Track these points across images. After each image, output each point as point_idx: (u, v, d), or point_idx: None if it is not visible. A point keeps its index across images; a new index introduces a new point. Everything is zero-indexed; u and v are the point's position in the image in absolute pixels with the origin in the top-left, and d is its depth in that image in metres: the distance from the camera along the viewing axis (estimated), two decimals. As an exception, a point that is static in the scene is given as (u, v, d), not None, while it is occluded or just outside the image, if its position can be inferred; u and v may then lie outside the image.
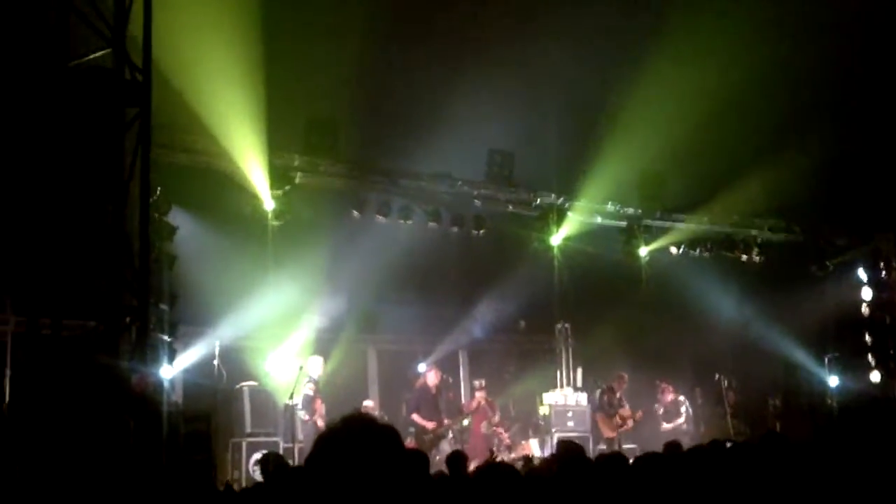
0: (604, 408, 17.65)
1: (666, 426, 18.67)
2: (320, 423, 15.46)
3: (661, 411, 19.09)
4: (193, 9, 13.04)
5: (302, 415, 15.47)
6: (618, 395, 17.72)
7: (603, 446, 17.28)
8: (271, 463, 11.25)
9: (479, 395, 17.32)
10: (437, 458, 15.54)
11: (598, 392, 18.17)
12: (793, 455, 7.87)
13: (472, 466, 14.17)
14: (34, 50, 9.30)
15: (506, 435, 17.48)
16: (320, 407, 15.73)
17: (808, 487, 6.52)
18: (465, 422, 17.36)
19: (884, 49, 17.48)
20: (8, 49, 10.45)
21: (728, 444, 10.42)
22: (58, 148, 9.37)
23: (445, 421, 16.66)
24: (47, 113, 9.35)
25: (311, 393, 15.68)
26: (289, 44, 16.03)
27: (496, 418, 17.33)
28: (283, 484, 8.98)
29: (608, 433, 17.51)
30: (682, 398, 19.29)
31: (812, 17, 16.71)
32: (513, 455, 16.41)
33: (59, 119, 9.34)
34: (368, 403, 16.82)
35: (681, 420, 18.88)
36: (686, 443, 12.95)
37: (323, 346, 17.30)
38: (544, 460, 11.49)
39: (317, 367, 16.18)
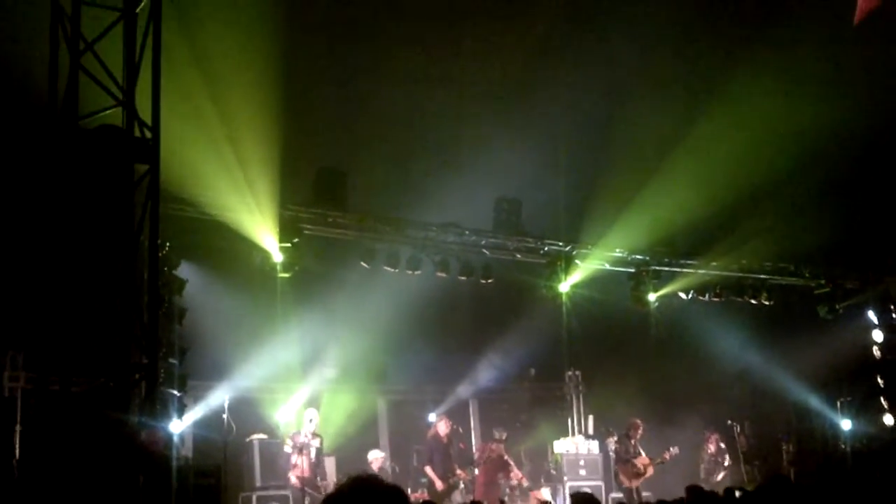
0: (620, 456, 17.46)
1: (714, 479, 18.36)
2: (293, 479, 15.21)
3: (703, 462, 18.77)
4: (200, 66, 13.18)
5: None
6: (633, 442, 17.53)
7: (618, 495, 17.13)
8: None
9: (498, 447, 17.12)
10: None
11: (612, 440, 18.01)
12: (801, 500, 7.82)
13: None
14: (44, 109, 9.38)
15: (525, 478, 17.28)
16: (305, 462, 15.21)
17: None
18: (476, 471, 17.26)
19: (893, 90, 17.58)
20: (18, 108, 10.57)
21: (738, 493, 10.38)
22: (68, 205, 9.42)
23: (458, 471, 16.54)
24: (58, 171, 9.42)
25: (288, 449, 15.37)
26: (297, 97, 16.17)
27: (514, 472, 17.12)
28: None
29: (626, 482, 17.30)
30: (723, 446, 19.12)
31: (820, 63, 16.84)
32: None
33: (70, 177, 9.41)
34: (377, 455, 16.67)
35: (722, 473, 18.65)
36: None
37: (332, 397, 17.28)
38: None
39: (307, 420, 15.82)
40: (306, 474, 15.00)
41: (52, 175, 9.42)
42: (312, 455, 15.21)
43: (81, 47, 9.51)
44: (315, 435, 15.41)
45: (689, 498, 10.89)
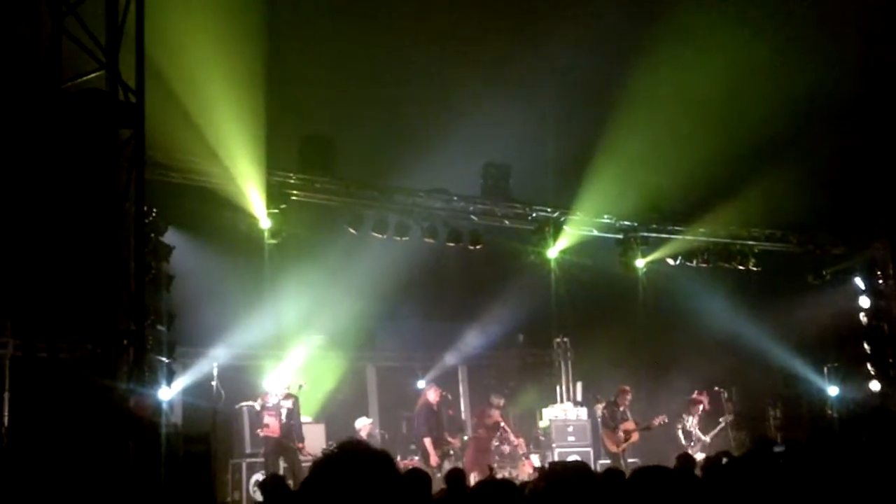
0: (606, 422, 17.47)
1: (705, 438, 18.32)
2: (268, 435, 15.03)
3: (692, 422, 18.68)
4: (187, 29, 13.06)
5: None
6: (621, 408, 17.53)
7: (606, 461, 17.18)
8: (269, 485, 11.19)
9: (495, 413, 17.12)
10: (439, 475, 15.49)
11: (600, 406, 18.04)
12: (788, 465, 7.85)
13: (472, 481, 14.18)
14: (27, 72, 9.29)
15: (522, 443, 17.28)
16: (274, 423, 14.95)
17: (807, 494, 6.50)
18: (465, 437, 17.27)
19: (879, 58, 17.53)
20: (1, 71, 10.45)
21: (724, 460, 10.39)
22: (52, 170, 9.35)
23: (449, 439, 16.52)
24: (41, 135, 9.33)
25: (257, 408, 15.13)
26: (283, 63, 16.06)
27: (511, 436, 17.12)
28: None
29: (612, 448, 17.32)
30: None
31: (809, 29, 16.78)
32: (515, 471, 16.33)
33: (53, 141, 9.32)
34: (365, 422, 16.63)
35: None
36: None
37: (321, 364, 17.26)
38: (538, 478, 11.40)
39: (278, 384, 15.47)
40: (277, 434, 14.91)
41: (35, 140, 9.33)
42: (283, 416, 15.06)
43: (64, 10, 9.39)
44: (288, 395, 15.24)
45: (678, 465, 10.96)
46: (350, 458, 2.89)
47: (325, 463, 2.91)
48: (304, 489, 2.90)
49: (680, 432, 18.07)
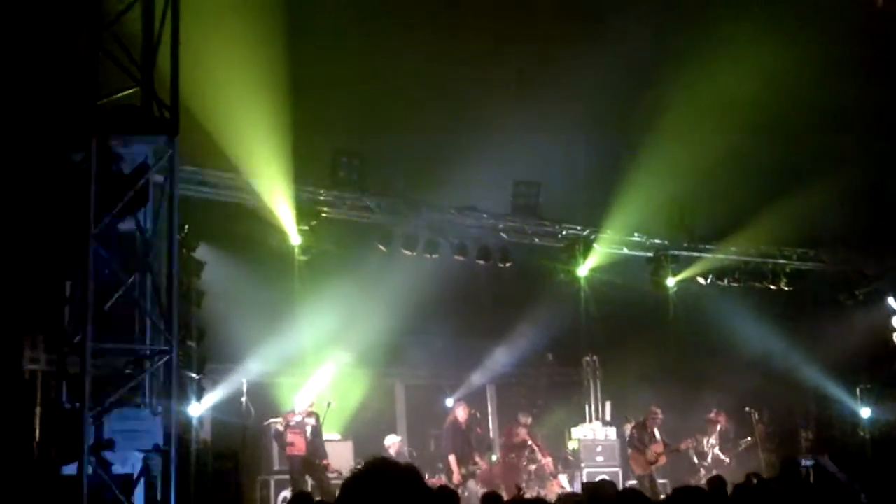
0: (634, 444, 17.32)
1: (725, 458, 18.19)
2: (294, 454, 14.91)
3: (709, 443, 18.53)
4: (219, 46, 13.13)
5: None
6: (650, 430, 17.39)
7: (633, 483, 17.03)
8: (296, 502, 11.14)
9: (522, 431, 17.04)
10: (466, 494, 15.40)
11: (628, 427, 17.90)
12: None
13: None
14: (64, 88, 9.35)
15: (551, 462, 17.18)
16: (299, 441, 14.87)
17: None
18: (494, 457, 17.17)
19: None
20: (38, 88, 10.54)
21: (754, 481, 10.28)
22: (87, 186, 9.38)
23: (476, 459, 16.45)
24: (77, 151, 9.38)
25: (280, 428, 14.96)
26: (315, 80, 16.12)
27: (539, 455, 17.03)
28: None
29: (639, 470, 17.17)
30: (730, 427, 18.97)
31: (841, 45, 16.67)
32: (543, 492, 16.21)
33: (89, 157, 9.36)
34: (394, 440, 16.60)
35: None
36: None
37: (350, 381, 17.24)
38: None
39: (301, 402, 15.37)
40: (303, 452, 14.85)
41: (71, 155, 9.39)
42: (308, 434, 15.00)
43: (101, 27, 9.46)
44: (311, 413, 15.18)
45: (710, 487, 10.85)
46: (378, 475, 2.90)
47: (353, 481, 2.92)
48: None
49: (692, 452, 17.95)
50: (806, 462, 15.54)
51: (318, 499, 13.29)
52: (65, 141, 9.49)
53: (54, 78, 9.84)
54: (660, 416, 17.59)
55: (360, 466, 2.98)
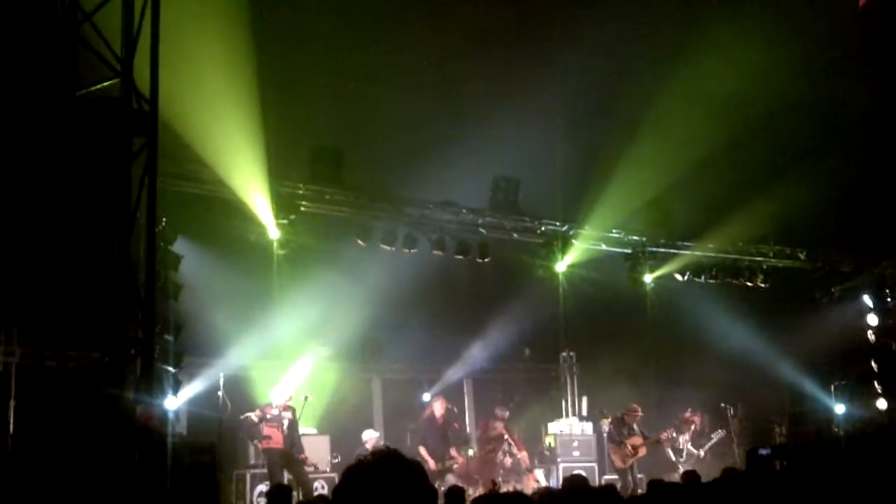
0: (613, 438, 17.40)
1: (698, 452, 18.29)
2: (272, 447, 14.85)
3: (683, 440, 18.61)
4: (199, 39, 13.06)
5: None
6: (629, 424, 17.46)
7: (612, 477, 17.11)
8: (276, 495, 11.12)
9: (499, 425, 17.07)
10: (443, 489, 15.40)
11: (606, 422, 17.95)
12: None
13: (476, 493, 14.13)
14: (42, 79, 9.28)
15: (526, 457, 17.20)
16: (276, 434, 14.85)
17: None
18: (471, 452, 17.19)
19: (889, 75, 17.50)
20: (16, 78, 10.44)
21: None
22: (64, 177, 9.33)
23: (452, 453, 16.48)
24: (54, 142, 9.32)
25: (255, 419, 14.88)
26: (294, 74, 16.07)
27: (515, 449, 17.05)
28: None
29: (618, 464, 17.25)
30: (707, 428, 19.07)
31: (821, 47, 16.76)
32: (519, 486, 16.24)
33: (66, 148, 9.31)
34: (372, 434, 16.59)
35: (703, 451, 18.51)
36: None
37: (327, 375, 17.22)
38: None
39: (279, 395, 15.25)
40: (281, 446, 14.82)
41: (48, 146, 9.32)
42: (285, 427, 14.96)
43: (79, 18, 9.40)
44: (287, 407, 15.15)
45: (684, 482, 10.94)
46: (387, 465, 2.89)
47: (359, 469, 2.90)
48: (340, 494, 2.89)
49: (670, 450, 18.07)
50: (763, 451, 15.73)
51: (294, 493, 13.30)
52: (43, 131, 9.41)
53: (32, 68, 9.74)
54: (639, 413, 17.67)
55: (368, 455, 2.94)
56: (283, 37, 15.56)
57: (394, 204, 17.48)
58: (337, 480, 3.12)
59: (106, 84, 9.57)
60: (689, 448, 18.35)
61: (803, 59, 16.91)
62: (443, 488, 14.98)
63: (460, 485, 15.67)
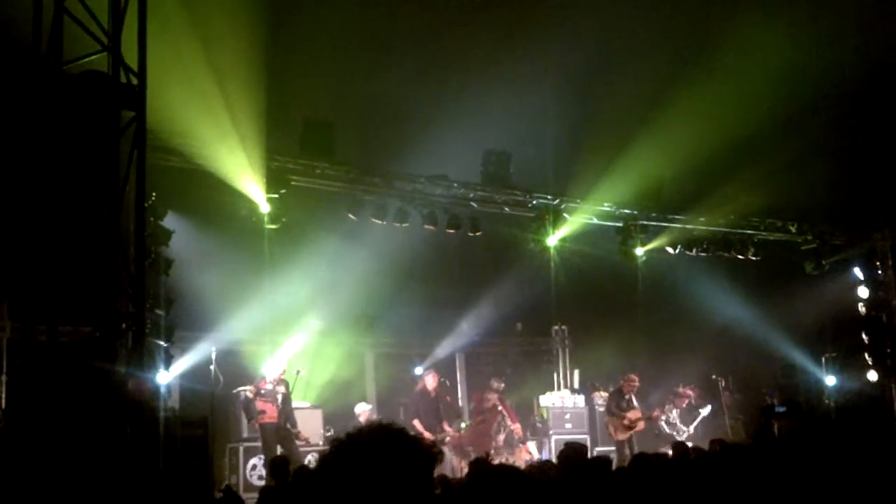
0: (612, 410, 17.37)
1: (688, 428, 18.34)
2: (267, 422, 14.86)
3: (674, 414, 18.66)
4: (188, 13, 12.99)
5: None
6: (627, 396, 17.43)
7: (606, 448, 17.16)
8: (279, 466, 11.16)
9: (493, 396, 17.09)
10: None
11: (599, 394, 17.99)
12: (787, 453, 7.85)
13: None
14: (29, 53, 9.22)
15: (519, 429, 17.23)
16: (271, 409, 14.86)
17: (804, 485, 6.50)
18: (463, 425, 17.25)
19: (880, 49, 17.48)
20: (2, 52, 10.39)
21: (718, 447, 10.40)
22: (53, 152, 9.30)
23: (445, 427, 16.54)
24: (42, 116, 9.28)
25: (250, 395, 14.92)
26: (284, 48, 16.00)
27: (508, 420, 17.08)
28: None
29: (618, 436, 17.22)
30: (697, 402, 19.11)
31: (810, 19, 16.73)
32: (511, 458, 16.31)
33: (55, 123, 9.27)
34: (364, 408, 16.63)
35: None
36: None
37: (319, 349, 17.25)
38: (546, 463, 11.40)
39: (272, 370, 15.28)
40: (276, 420, 14.86)
41: (36, 121, 9.27)
42: (279, 401, 15.00)
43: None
44: (281, 381, 15.18)
45: (675, 454, 11.02)
46: (386, 439, 2.89)
47: (353, 439, 2.90)
48: (326, 466, 2.90)
49: (664, 423, 18.11)
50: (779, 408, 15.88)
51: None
52: (30, 105, 9.36)
53: (18, 41, 9.68)
54: (636, 382, 17.61)
55: (359, 429, 2.96)
56: (274, 9, 15.46)
57: (385, 178, 17.44)
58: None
59: (93, 57, 9.51)
60: (679, 423, 18.41)
61: (796, 31, 16.89)
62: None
63: (455, 458, 15.89)
